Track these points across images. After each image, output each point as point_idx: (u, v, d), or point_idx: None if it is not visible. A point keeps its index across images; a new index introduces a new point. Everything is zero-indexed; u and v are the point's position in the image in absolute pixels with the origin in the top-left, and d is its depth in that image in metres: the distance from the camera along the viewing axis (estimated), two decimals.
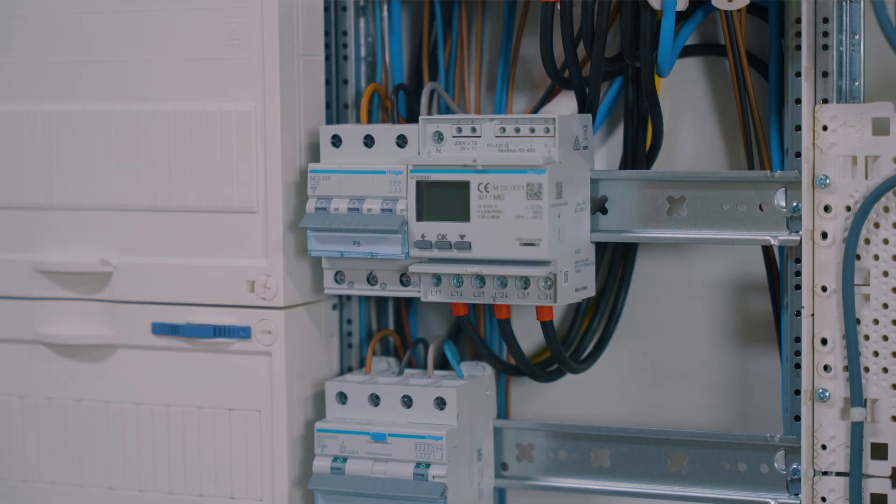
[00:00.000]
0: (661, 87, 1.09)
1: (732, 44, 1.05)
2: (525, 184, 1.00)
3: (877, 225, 0.98)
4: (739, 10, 1.04)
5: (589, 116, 1.05)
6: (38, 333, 1.14)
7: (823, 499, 1.00)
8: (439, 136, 1.03)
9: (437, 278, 1.03)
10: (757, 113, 1.06)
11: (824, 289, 0.99)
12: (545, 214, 0.99)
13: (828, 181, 0.99)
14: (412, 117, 1.11)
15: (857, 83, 1.00)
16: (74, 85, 1.12)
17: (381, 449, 1.06)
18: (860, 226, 0.97)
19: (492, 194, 1.00)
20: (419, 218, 1.03)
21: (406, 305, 1.17)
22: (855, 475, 0.99)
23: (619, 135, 1.11)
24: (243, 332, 1.08)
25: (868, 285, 0.99)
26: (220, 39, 1.07)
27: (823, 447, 1.00)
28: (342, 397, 1.08)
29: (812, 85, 1.00)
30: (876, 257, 0.98)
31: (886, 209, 0.98)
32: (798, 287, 1.01)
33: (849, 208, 0.98)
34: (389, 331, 1.15)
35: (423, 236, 1.02)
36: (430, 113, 1.09)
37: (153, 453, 1.11)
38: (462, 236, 1.01)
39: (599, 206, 1.05)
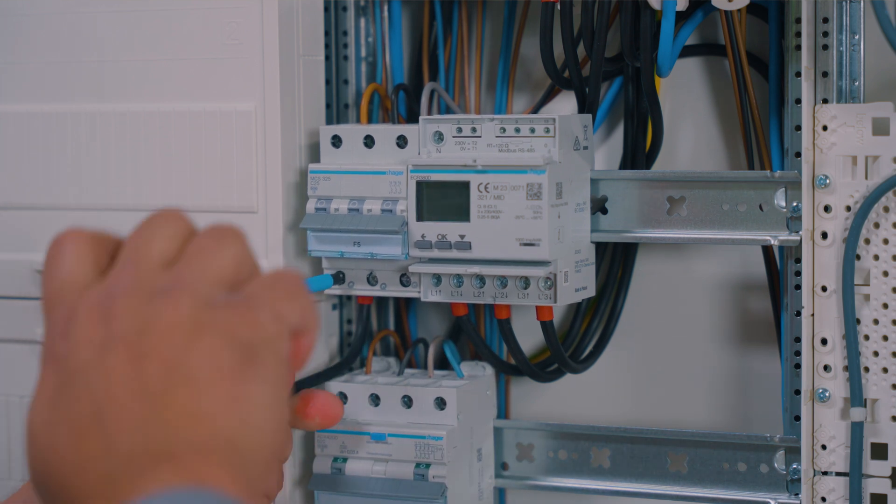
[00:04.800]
0: (661, 87, 1.09)
1: (732, 44, 1.05)
2: (525, 184, 1.00)
3: (877, 225, 0.98)
4: (739, 10, 1.04)
5: (589, 116, 1.05)
6: (39, 333, 1.13)
7: (823, 499, 1.00)
8: (439, 137, 1.03)
9: (437, 278, 1.03)
10: (757, 113, 1.06)
11: (824, 289, 0.99)
12: (545, 214, 0.99)
13: (828, 181, 0.99)
14: (412, 117, 1.11)
15: (857, 83, 1.00)
16: (74, 85, 1.12)
17: (381, 449, 1.06)
18: (860, 226, 0.97)
19: (492, 194, 1.00)
20: (419, 218, 1.03)
21: (406, 305, 1.17)
22: (855, 475, 0.99)
23: (619, 135, 1.11)
24: None
25: (868, 285, 0.99)
26: (220, 39, 1.07)
27: (823, 447, 1.00)
28: (342, 397, 1.08)
29: (812, 85, 1.00)
30: (876, 257, 0.98)
31: (886, 209, 0.98)
32: (798, 287, 1.01)
33: (849, 208, 0.98)
34: (389, 331, 1.15)
35: (423, 236, 1.02)
36: (430, 113, 1.09)
37: None
38: (462, 236, 1.01)
39: (599, 206, 1.05)
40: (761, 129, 1.06)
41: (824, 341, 1.00)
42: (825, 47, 0.99)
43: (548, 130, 1.00)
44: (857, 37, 0.99)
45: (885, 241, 0.98)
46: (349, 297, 1.14)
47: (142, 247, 0.65)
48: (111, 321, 0.62)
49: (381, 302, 1.16)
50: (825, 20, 0.99)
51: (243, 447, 0.61)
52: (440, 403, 1.06)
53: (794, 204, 1.00)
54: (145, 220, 0.66)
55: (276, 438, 0.63)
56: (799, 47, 0.99)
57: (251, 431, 0.61)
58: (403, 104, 1.12)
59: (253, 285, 0.65)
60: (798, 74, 1.00)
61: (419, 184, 1.03)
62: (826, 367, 1.00)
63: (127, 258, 0.64)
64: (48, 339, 0.65)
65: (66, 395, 0.62)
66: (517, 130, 1.01)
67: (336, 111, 1.14)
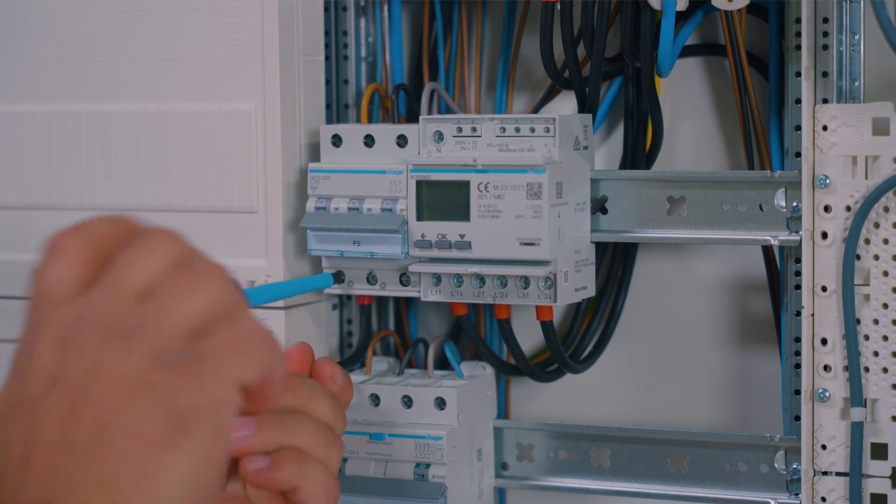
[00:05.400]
0: (661, 87, 1.09)
1: (732, 44, 1.05)
2: (525, 183, 1.00)
3: (877, 225, 0.98)
4: (739, 10, 1.04)
5: (589, 116, 1.05)
6: None
7: (823, 499, 1.00)
8: (439, 136, 1.03)
9: (437, 278, 1.03)
10: (757, 113, 1.06)
11: (824, 289, 0.99)
12: (545, 214, 0.99)
13: (828, 181, 0.99)
14: (412, 117, 1.11)
15: (857, 83, 1.00)
16: (74, 85, 1.12)
17: (381, 449, 1.06)
18: (860, 226, 0.97)
19: (492, 194, 1.00)
20: (419, 217, 1.03)
21: (406, 305, 1.17)
22: (855, 475, 0.99)
23: (619, 135, 1.11)
24: None
25: (868, 285, 0.99)
26: (220, 39, 1.07)
27: (823, 447, 1.00)
28: None
29: (812, 85, 1.00)
30: (876, 257, 0.98)
31: (886, 209, 0.98)
32: (798, 287, 1.01)
33: (849, 208, 0.98)
34: (389, 331, 1.15)
35: (423, 236, 1.02)
36: (430, 113, 1.09)
37: None
38: (462, 236, 1.01)
39: (599, 206, 1.05)
40: (761, 129, 1.06)
41: (824, 341, 1.00)
42: (825, 47, 0.99)
43: (548, 130, 1.00)
44: (857, 37, 1.00)
45: (885, 241, 0.98)
46: (349, 297, 1.14)
47: (123, 271, 0.63)
48: (67, 354, 0.61)
49: (381, 302, 1.16)
50: (825, 20, 0.99)
51: None
52: (440, 403, 1.06)
53: (794, 204, 1.00)
54: (139, 239, 0.64)
55: None
56: (799, 47, 0.99)
57: None
58: (403, 104, 1.12)
59: (213, 340, 0.63)
60: (798, 74, 1.00)
61: (419, 183, 1.03)
62: (826, 367, 1.00)
63: (106, 283, 0.63)
64: (20, 344, 0.64)
65: (7, 425, 0.61)
66: (517, 130, 1.01)
67: (336, 111, 1.14)
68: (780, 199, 1.00)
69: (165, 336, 0.62)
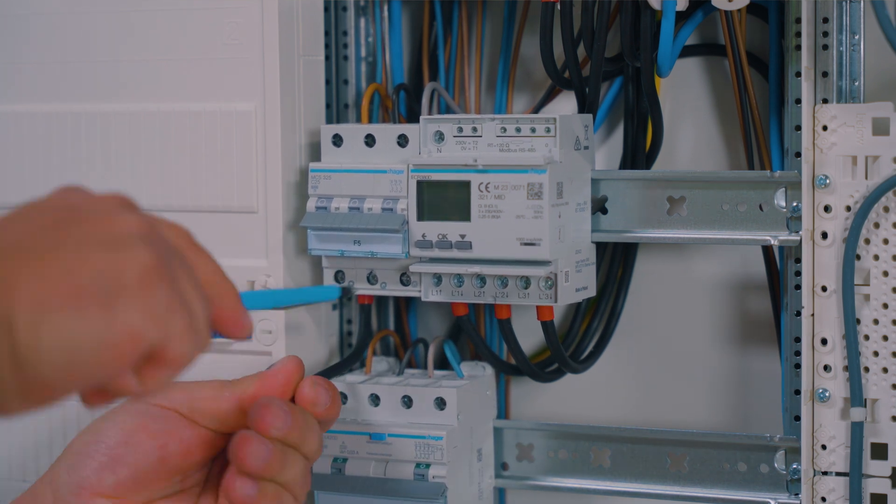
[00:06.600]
0: (661, 87, 1.09)
1: (732, 44, 1.05)
2: (526, 183, 1.00)
3: (877, 225, 0.98)
4: (739, 10, 1.04)
5: (590, 116, 1.05)
6: None
7: (823, 499, 1.00)
8: (440, 136, 1.03)
9: (438, 278, 1.03)
10: (757, 113, 1.06)
11: (824, 289, 0.99)
12: (546, 214, 0.99)
13: (828, 181, 0.99)
14: (413, 117, 1.11)
15: (857, 83, 1.00)
16: (74, 85, 1.12)
17: (380, 449, 1.06)
18: (860, 226, 0.97)
19: (492, 194, 1.00)
20: (420, 217, 1.03)
21: (406, 305, 1.17)
22: (855, 475, 0.99)
23: (619, 135, 1.11)
24: None
25: (868, 285, 0.99)
26: (220, 39, 1.07)
27: (823, 447, 1.00)
28: (342, 397, 1.08)
29: (812, 85, 1.00)
30: (876, 257, 0.98)
31: (886, 209, 0.98)
32: (798, 287, 1.01)
33: (849, 208, 0.98)
34: (389, 331, 1.15)
35: (423, 236, 1.02)
36: (430, 113, 1.09)
37: None
38: (463, 236, 1.01)
39: (599, 206, 1.05)
40: (761, 129, 1.06)
41: (824, 341, 1.00)
42: (825, 47, 0.99)
43: (548, 130, 1.00)
44: (857, 37, 1.00)
45: (885, 241, 0.98)
46: (349, 297, 1.14)
47: None
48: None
49: (381, 301, 1.16)
50: (825, 20, 0.99)
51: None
52: (440, 403, 1.06)
53: (794, 204, 1.00)
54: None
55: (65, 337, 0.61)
56: (799, 47, 0.99)
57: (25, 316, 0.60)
58: (404, 104, 1.12)
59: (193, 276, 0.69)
60: (798, 74, 1.00)
61: (420, 183, 1.03)
62: (826, 367, 1.00)
63: None
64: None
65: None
66: (518, 130, 1.01)
67: (336, 111, 1.14)
68: (780, 199, 1.00)
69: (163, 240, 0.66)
